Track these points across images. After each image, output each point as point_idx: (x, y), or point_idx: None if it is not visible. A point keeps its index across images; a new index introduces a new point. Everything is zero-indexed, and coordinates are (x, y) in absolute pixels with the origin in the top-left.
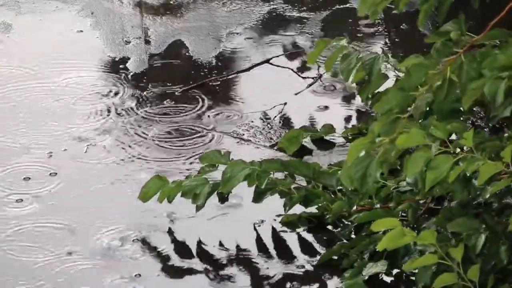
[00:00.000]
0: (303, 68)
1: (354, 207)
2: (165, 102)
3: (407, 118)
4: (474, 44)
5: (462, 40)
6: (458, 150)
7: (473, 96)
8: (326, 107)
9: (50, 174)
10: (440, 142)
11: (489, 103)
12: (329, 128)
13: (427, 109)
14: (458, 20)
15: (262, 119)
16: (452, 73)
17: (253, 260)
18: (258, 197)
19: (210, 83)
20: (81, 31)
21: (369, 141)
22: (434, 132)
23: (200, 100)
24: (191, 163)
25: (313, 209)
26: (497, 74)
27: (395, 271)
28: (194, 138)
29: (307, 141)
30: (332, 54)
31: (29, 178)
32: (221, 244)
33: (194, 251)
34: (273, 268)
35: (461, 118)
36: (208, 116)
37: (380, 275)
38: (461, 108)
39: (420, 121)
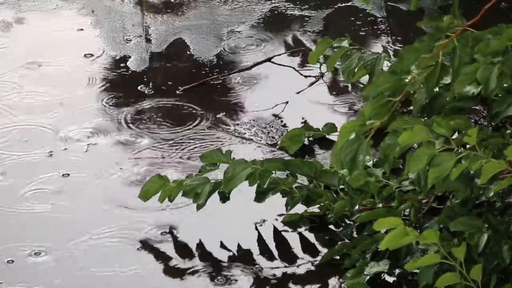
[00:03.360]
0: (305, 67)
1: (356, 207)
2: (166, 101)
3: (402, 112)
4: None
5: (455, 24)
6: (460, 147)
7: (465, 80)
8: (328, 106)
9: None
10: (443, 139)
11: (484, 88)
12: (331, 127)
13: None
14: (452, 5)
15: (263, 118)
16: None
17: (254, 259)
18: (260, 196)
19: (211, 82)
20: (82, 29)
21: (359, 124)
22: (437, 129)
23: (201, 99)
24: (193, 164)
25: (315, 209)
26: (490, 60)
27: (397, 270)
28: (195, 136)
29: (309, 140)
30: (333, 54)
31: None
32: (222, 244)
33: (195, 251)
34: (275, 268)
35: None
36: (209, 115)
37: (382, 274)
38: (463, 107)
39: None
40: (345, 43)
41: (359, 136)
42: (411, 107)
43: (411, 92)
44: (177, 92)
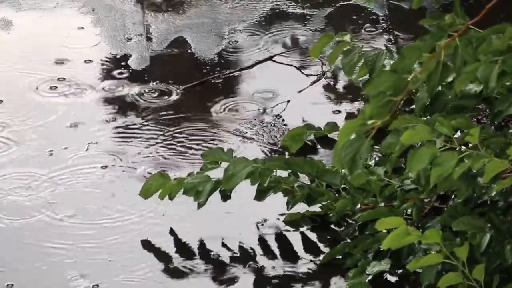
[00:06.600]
0: (306, 66)
1: (358, 206)
2: (167, 99)
3: (404, 111)
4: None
5: (457, 22)
6: (462, 146)
7: (466, 79)
8: (330, 105)
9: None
10: (445, 138)
11: (484, 86)
12: (333, 126)
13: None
14: (454, 3)
15: (264, 117)
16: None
17: (256, 259)
18: (260, 195)
19: (213, 81)
20: (82, 28)
21: (360, 123)
22: (439, 128)
23: (202, 97)
24: (194, 163)
25: (316, 208)
26: (492, 58)
27: (399, 270)
28: (196, 136)
29: (310, 139)
30: (335, 48)
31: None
32: (223, 243)
33: (196, 251)
34: (276, 268)
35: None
36: (210, 114)
37: (384, 274)
38: (466, 105)
39: (421, 114)
40: (347, 38)
41: (360, 136)
42: (413, 106)
43: (413, 90)
44: (178, 91)
